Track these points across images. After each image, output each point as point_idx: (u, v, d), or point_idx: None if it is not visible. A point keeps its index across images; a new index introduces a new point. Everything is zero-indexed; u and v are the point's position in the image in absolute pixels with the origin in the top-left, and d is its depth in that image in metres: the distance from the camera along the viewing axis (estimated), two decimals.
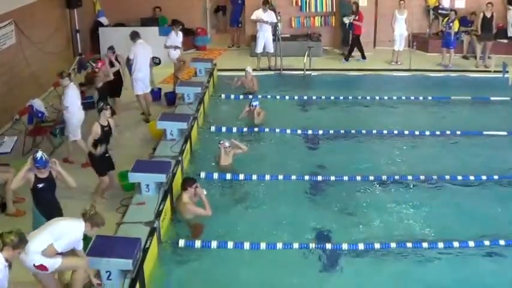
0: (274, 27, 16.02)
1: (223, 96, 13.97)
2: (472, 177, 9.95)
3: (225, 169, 10.06)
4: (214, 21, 19.72)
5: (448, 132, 11.87)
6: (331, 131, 11.85)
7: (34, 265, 6.30)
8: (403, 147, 11.35)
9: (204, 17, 18.66)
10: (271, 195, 9.45)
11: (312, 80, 15.59)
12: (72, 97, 10.07)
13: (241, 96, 13.72)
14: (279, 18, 16.18)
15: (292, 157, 10.83)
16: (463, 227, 8.53)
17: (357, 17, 16.48)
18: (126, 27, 16.87)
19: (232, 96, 13.87)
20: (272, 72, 15.85)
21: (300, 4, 17.92)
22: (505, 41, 17.32)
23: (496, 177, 9.97)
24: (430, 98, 13.96)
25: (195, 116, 11.65)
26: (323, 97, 13.97)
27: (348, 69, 16.25)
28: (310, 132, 11.86)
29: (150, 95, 12.87)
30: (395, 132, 11.86)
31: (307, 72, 15.70)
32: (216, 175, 9.83)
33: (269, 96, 13.92)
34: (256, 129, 11.88)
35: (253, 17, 16.17)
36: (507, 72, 14.33)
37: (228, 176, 9.85)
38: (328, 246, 8.00)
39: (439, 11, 17.73)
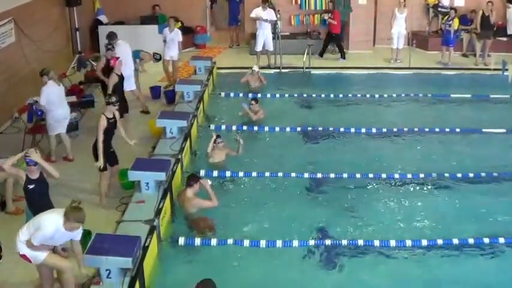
0: (274, 25, 16.02)
1: (222, 94, 13.98)
2: (471, 175, 9.96)
3: (216, 165, 10.05)
4: (212, 19, 19.65)
5: (447, 129, 11.87)
6: (331, 129, 11.85)
7: (19, 254, 6.48)
8: (402, 145, 11.37)
9: (204, 15, 18.64)
10: (270, 192, 9.47)
11: (311, 78, 15.59)
12: (50, 95, 10.10)
13: (241, 94, 13.72)
14: (278, 16, 16.17)
15: (291, 154, 10.83)
16: (462, 224, 8.53)
17: (332, 16, 16.50)
18: (126, 25, 16.92)
19: (232, 94, 13.88)
20: (272, 71, 15.85)
21: (299, 2, 17.92)
22: (505, 39, 17.31)
23: (495, 174, 9.99)
24: (429, 95, 13.96)
25: (195, 114, 11.65)
26: (322, 95, 13.98)
27: (348, 68, 16.25)
28: (309, 129, 11.87)
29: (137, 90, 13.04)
30: (395, 130, 11.86)
31: (307, 70, 15.71)
32: (215, 173, 9.83)
33: (269, 95, 13.93)
34: (255, 127, 11.88)
35: (253, 15, 16.16)
36: (506, 70, 14.34)
37: (228, 174, 9.86)
38: (328, 243, 8.00)
39: (439, 9, 17.73)
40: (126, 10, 17.54)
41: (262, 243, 7.96)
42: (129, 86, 12.52)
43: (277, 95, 14.01)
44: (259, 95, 13.41)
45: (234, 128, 11.75)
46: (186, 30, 17.78)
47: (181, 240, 7.96)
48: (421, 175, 9.92)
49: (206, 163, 10.22)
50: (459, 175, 9.93)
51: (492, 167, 10.18)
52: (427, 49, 17.59)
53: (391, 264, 7.72)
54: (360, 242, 8.00)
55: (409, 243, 8.00)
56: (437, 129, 11.89)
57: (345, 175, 9.87)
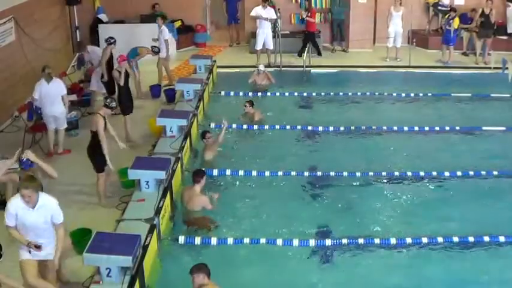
0: (274, 24, 16.02)
1: (222, 93, 13.97)
2: (471, 173, 9.97)
3: (207, 164, 10.04)
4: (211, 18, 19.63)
5: (447, 128, 11.87)
6: (331, 127, 11.85)
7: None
8: (402, 143, 11.36)
9: (204, 13, 18.63)
10: (271, 191, 9.47)
11: (311, 77, 15.59)
12: (41, 92, 10.27)
13: (241, 93, 13.72)
14: (278, 15, 16.18)
15: (291, 153, 10.84)
16: (462, 222, 8.53)
17: (309, 14, 16.52)
18: (126, 24, 16.92)
19: (232, 93, 13.87)
20: (272, 69, 15.83)
21: (299, 1, 17.91)
22: (505, 37, 17.29)
23: (495, 172, 9.99)
24: (429, 94, 13.96)
25: (195, 113, 11.64)
26: (323, 93, 13.98)
27: (347, 66, 16.23)
28: (309, 128, 11.87)
29: None
30: (395, 128, 11.86)
31: (307, 69, 15.70)
32: (215, 171, 9.83)
33: (269, 93, 13.93)
34: (255, 126, 11.88)
35: (253, 13, 16.16)
36: (507, 68, 14.32)
37: (228, 172, 9.85)
38: (328, 241, 8.01)
39: (439, 8, 17.71)
40: (126, 9, 17.53)
41: (263, 241, 7.95)
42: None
43: (277, 94, 14.01)
44: (259, 94, 13.39)
45: (234, 126, 11.73)
46: (186, 29, 17.82)
47: (182, 239, 7.96)
48: (421, 173, 9.92)
49: (205, 162, 10.23)
50: (459, 173, 9.94)
51: (492, 165, 10.17)
52: (427, 48, 17.58)
53: (391, 262, 7.73)
54: (360, 241, 7.99)
55: (409, 241, 8.00)
56: (437, 128, 11.89)
57: (345, 173, 9.87)
